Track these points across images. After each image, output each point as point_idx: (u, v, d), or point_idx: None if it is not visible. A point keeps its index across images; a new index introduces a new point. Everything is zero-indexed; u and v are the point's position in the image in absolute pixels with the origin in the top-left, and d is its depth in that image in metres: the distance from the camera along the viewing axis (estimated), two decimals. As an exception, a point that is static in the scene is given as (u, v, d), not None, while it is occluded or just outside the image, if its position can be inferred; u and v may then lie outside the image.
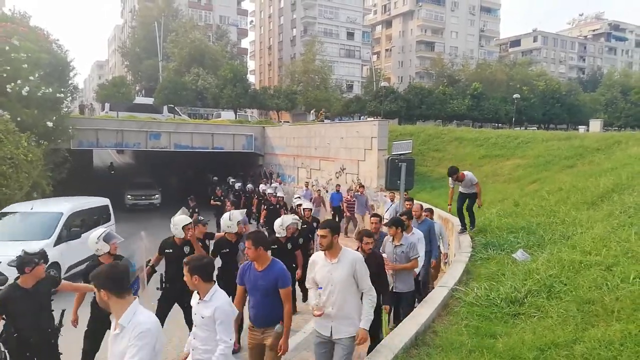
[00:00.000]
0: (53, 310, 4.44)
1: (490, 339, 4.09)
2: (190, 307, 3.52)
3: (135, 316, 2.61)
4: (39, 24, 27.81)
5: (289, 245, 6.99)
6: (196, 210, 13.06)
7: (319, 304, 3.71)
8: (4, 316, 4.09)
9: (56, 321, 4.47)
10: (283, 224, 6.91)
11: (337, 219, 14.76)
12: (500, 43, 80.00)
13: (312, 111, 37.26)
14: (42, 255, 4.27)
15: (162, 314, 5.62)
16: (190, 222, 6.00)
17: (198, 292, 3.37)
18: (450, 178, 8.22)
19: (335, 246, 3.71)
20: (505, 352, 3.72)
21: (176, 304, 5.86)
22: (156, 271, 5.96)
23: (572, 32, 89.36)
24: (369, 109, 38.79)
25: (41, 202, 11.11)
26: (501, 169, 15.37)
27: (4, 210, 10.11)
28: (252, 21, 69.77)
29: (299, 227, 7.44)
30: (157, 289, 5.89)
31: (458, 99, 41.00)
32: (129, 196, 21.33)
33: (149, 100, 34.23)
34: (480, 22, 73.20)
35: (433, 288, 5.91)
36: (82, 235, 9.58)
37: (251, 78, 57.06)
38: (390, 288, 5.35)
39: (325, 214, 15.19)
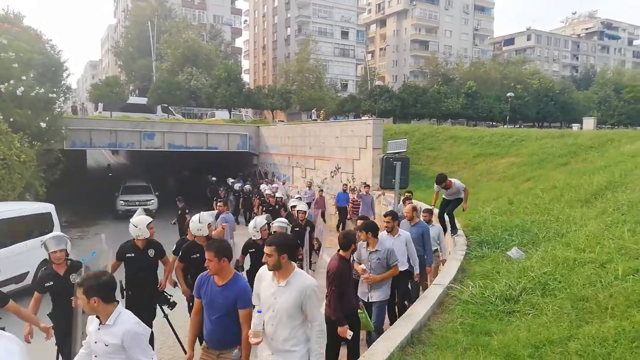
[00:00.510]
0: None
1: (485, 336, 4.09)
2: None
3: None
4: (33, 24, 27.50)
5: None
6: (186, 211, 12.13)
7: (257, 328, 3.12)
8: None
9: None
10: (257, 225, 6.40)
11: (341, 220, 14.64)
12: (494, 42, 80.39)
13: (313, 110, 37.16)
14: None
15: None
16: (151, 221, 5.54)
17: (98, 317, 2.89)
18: (436, 185, 7.94)
19: (285, 267, 3.14)
20: (500, 349, 3.73)
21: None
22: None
23: (566, 31, 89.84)
24: (363, 108, 38.83)
25: None
26: (495, 167, 15.45)
27: None
28: (246, 20, 69.66)
29: (288, 231, 6.95)
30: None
31: (452, 98, 41.18)
32: (121, 201, 19.43)
33: (143, 100, 34.08)
34: (474, 21, 73.43)
35: (417, 298, 5.43)
36: (7, 248, 8.65)
37: (245, 77, 56.96)
38: (366, 298, 5.14)
39: (319, 220, 14.97)
